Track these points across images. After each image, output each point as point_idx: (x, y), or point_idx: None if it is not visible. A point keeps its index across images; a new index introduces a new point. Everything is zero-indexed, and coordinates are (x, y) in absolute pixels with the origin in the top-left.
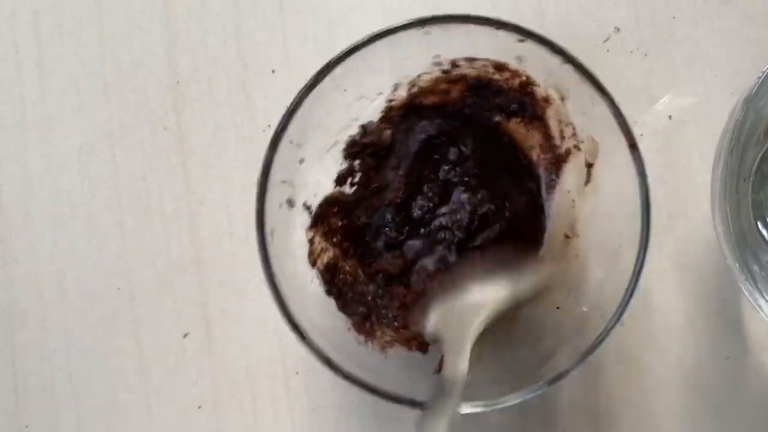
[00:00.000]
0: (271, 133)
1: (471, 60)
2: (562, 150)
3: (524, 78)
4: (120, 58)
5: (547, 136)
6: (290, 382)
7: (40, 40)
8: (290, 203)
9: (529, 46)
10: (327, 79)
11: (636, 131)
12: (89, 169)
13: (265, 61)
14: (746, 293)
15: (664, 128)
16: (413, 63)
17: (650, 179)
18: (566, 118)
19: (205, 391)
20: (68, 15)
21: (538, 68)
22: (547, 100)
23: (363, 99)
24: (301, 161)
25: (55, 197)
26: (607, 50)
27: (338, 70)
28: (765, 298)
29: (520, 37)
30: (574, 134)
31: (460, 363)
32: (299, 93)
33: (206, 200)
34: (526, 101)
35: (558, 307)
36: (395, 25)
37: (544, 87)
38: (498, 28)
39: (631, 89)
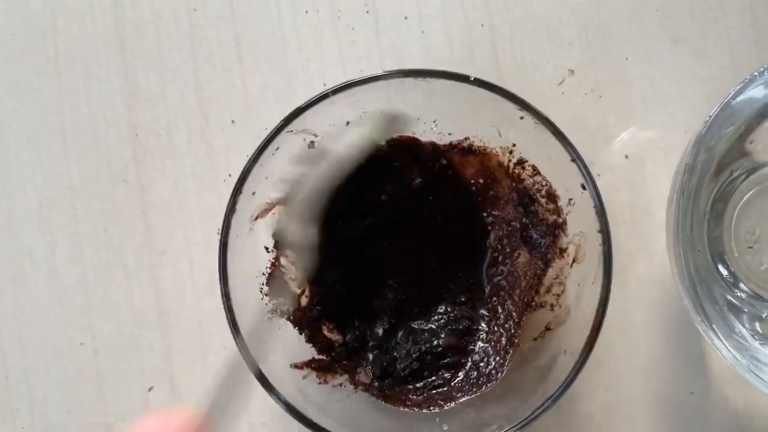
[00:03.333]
0: (231, 182)
1: None
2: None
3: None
4: (78, 111)
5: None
6: None
7: None
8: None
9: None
10: (284, 132)
11: (593, 171)
12: (50, 223)
13: (225, 111)
14: (702, 333)
15: (621, 167)
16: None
17: (609, 217)
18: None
19: None
20: (25, 68)
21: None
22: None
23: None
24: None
25: (16, 252)
26: (562, 92)
27: (296, 122)
28: (720, 338)
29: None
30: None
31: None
32: (259, 146)
33: (168, 251)
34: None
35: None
36: (354, 80)
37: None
38: (457, 81)
39: (587, 130)
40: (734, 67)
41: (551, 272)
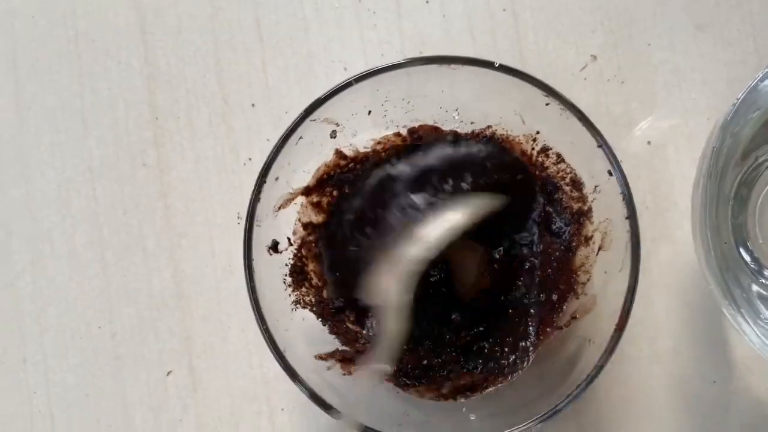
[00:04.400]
0: (251, 165)
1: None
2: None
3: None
4: (99, 93)
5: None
6: (275, 418)
7: (17, 76)
8: (275, 246)
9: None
10: (307, 121)
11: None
12: (69, 205)
13: (246, 93)
14: (729, 318)
15: (644, 153)
16: (392, 103)
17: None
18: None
19: (190, 430)
20: (46, 50)
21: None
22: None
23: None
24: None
25: (35, 235)
26: (585, 78)
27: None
28: (748, 323)
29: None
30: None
31: (390, 322)
32: (282, 135)
33: (187, 234)
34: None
35: (590, 340)
36: (376, 68)
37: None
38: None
39: (610, 116)
40: (758, 52)
41: (577, 260)
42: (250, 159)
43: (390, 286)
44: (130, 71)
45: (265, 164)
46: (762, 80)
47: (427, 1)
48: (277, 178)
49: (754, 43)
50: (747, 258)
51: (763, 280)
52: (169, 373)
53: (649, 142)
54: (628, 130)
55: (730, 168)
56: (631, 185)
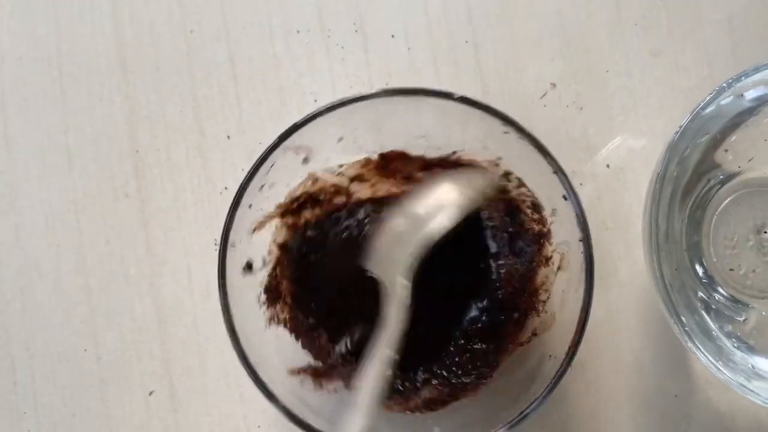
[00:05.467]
0: (227, 194)
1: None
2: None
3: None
4: (82, 129)
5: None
6: None
7: (5, 114)
8: (249, 266)
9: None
10: (280, 148)
11: (576, 180)
12: (55, 236)
13: (221, 127)
14: (678, 336)
15: (603, 176)
16: (361, 131)
17: (593, 225)
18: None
19: None
20: (32, 90)
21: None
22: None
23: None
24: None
25: (23, 264)
26: (545, 105)
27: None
28: (694, 342)
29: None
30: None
31: (393, 308)
32: (255, 163)
33: (167, 261)
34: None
35: (550, 356)
36: (342, 100)
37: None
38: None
39: (570, 141)
40: (713, 78)
41: (538, 280)
42: (226, 188)
43: (393, 268)
44: (112, 108)
45: (238, 190)
46: (705, 107)
47: (392, 35)
48: (250, 206)
49: (709, 68)
50: (703, 277)
51: (717, 296)
52: (151, 393)
53: (608, 166)
54: (588, 154)
55: (681, 192)
56: (592, 207)
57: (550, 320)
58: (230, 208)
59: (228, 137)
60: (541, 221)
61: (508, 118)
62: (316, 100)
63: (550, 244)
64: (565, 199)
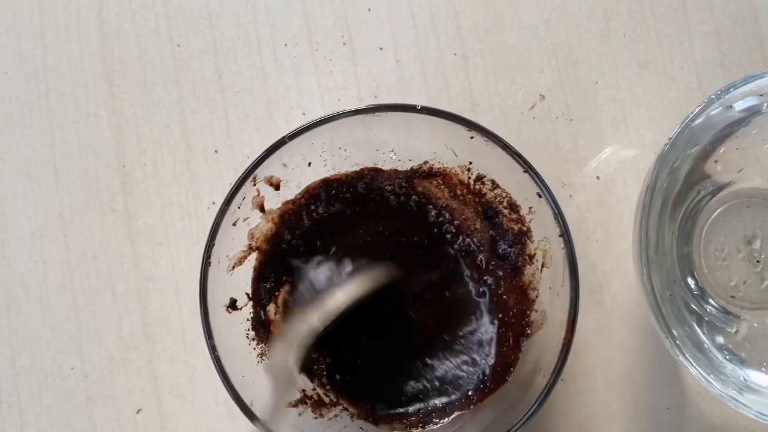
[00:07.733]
0: (214, 209)
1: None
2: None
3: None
4: (69, 144)
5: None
6: None
7: None
8: (233, 303)
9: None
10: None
11: (566, 192)
12: (42, 252)
13: (209, 141)
14: (668, 349)
15: (594, 188)
16: (330, 153)
17: (583, 237)
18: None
19: None
20: (18, 105)
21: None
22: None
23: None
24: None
25: (9, 280)
26: (534, 117)
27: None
28: (684, 355)
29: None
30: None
31: (289, 356)
32: (237, 179)
33: (154, 277)
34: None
35: (540, 369)
36: (312, 122)
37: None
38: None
39: (559, 153)
40: (702, 89)
41: (525, 279)
42: (213, 203)
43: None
44: (98, 122)
45: (223, 203)
46: (695, 118)
47: (381, 48)
48: (234, 223)
49: (697, 79)
50: (694, 288)
51: (709, 308)
52: (138, 411)
53: (598, 177)
54: (578, 166)
55: (671, 203)
56: (581, 219)
57: (541, 319)
58: (213, 225)
59: (215, 151)
60: (521, 220)
61: (471, 122)
62: (304, 114)
63: (532, 241)
64: (539, 196)
